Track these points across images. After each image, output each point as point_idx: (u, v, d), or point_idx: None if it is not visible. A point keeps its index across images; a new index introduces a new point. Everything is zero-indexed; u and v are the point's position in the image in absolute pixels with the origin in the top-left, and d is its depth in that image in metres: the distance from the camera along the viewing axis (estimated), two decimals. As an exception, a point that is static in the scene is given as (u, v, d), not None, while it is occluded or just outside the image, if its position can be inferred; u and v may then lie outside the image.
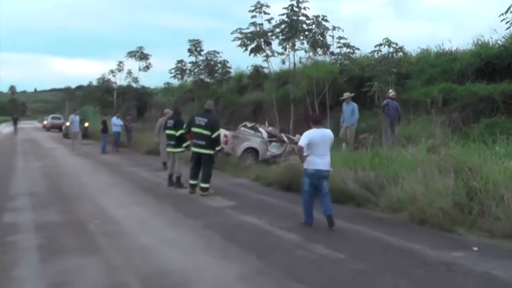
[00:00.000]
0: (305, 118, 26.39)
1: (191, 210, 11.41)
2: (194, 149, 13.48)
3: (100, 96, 44.97)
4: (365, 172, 13.05)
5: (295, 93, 25.82)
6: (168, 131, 14.73)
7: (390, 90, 19.53)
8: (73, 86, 65.05)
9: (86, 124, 38.04)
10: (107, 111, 34.22)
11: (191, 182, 13.58)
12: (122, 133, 28.70)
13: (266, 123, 22.84)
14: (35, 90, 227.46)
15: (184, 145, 14.39)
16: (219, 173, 16.17)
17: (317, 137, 9.51)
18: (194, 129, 13.37)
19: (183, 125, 14.22)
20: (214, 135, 13.18)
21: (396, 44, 21.79)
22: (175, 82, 37.15)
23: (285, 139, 20.96)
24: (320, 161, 9.49)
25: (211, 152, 13.33)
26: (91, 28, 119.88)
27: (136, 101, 41.16)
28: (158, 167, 19.39)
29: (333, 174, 11.03)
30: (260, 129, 20.98)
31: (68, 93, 64.93)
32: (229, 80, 33.05)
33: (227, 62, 31.85)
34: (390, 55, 21.94)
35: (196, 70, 32.99)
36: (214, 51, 32.08)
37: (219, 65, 32.05)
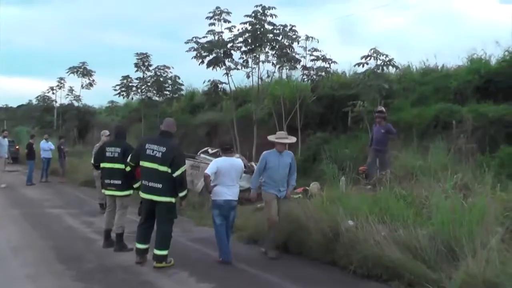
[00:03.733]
0: (269, 142, 21.63)
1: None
2: (144, 195, 7.86)
3: (39, 116, 38.60)
4: (409, 229, 7.81)
5: (258, 114, 20.41)
6: (108, 164, 9.08)
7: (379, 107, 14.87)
8: (15, 105, 57.52)
9: (17, 147, 31.55)
10: (35, 133, 27.84)
11: (140, 246, 7.99)
12: (54, 159, 22.31)
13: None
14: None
15: (136, 185, 8.81)
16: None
17: (226, 165, 8.49)
18: (145, 164, 7.81)
19: None
20: (177, 173, 7.67)
21: (386, 55, 16.64)
22: (120, 100, 31.49)
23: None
24: (228, 191, 8.49)
25: (172, 200, 7.81)
26: (35, 44, 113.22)
27: (77, 121, 35.34)
28: (93, 208, 13.49)
29: (361, 232, 7.95)
30: (226, 157, 15.45)
31: (6, 112, 57.79)
32: (180, 98, 27.35)
33: (179, 78, 26.27)
34: (380, 68, 16.75)
35: (143, 87, 27.29)
36: (164, 65, 26.55)
37: (169, 81, 26.38)
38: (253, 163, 16.03)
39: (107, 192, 9.12)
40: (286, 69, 20.07)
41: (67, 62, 33.94)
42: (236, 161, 8.95)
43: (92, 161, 9.60)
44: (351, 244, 7.95)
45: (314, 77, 19.89)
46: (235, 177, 8.71)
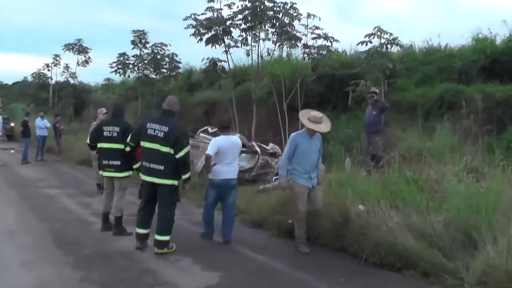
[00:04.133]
0: (268, 122, 21.16)
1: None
2: (145, 177, 7.33)
3: (34, 93, 37.79)
4: (423, 215, 7.37)
5: (257, 92, 19.81)
6: (107, 144, 8.48)
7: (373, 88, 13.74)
8: (10, 82, 56.55)
9: (12, 124, 30.84)
10: (30, 110, 27.13)
11: (140, 231, 7.47)
12: (50, 137, 21.62)
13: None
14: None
15: (136, 166, 8.27)
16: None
17: (227, 145, 8.18)
18: (146, 144, 7.28)
19: None
20: (180, 154, 7.12)
21: (391, 34, 16.07)
22: (117, 78, 30.85)
23: (257, 149, 14.99)
24: (228, 170, 8.17)
25: (174, 182, 7.27)
26: (31, 21, 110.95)
27: (73, 99, 34.47)
28: (90, 189, 12.96)
29: (372, 218, 7.50)
30: (226, 136, 14.90)
31: (1, 89, 56.72)
32: (177, 77, 26.72)
33: (176, 55, 25.62)
34: (384, 47, 16.18)
35: (140, 65, 26.65)
36: (161, 43, 25.98)
37: (167, 59, 25.70)
38: (253, 143, 15.49)
39: (105, 174, 8.56)
40: (287, 47, 19.45)
41: (63, 39, 33.24)
42: (235, 140, 8.67)
43: (88, 141, 8.95)
44: (362, 231, 7.50)
45: (315, 55, 19.31)
46: (235, 156, 8.46)
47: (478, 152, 11.63)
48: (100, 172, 8.75)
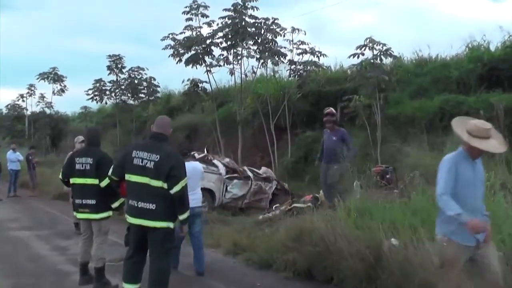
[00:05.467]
0: (255, 144, 19.59)
1: None
2: (132, 219, 5.56)
3: (9, 125, 35.54)
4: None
5: (242, 114, 18.23)
6: (80, 180, 6.75)
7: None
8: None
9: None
10: (6, 143, 25.12)
11: (128, 287, 5.64)
12: (23, 171, 19.54)
13: (205, 150, 14.95)
14: None
15: (115, 205, 6.65)
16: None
17: (188, 171, 5.98)
18: (132, 177, 5.52)
19: (109, 167, 6.33)
20: (176, 188, 5.38)
21: (384, 44, 14.61)
22: (94, 105, 29.03)
23: (250, 174, 13.38)
24: (190, 198, 5.86)
25: (169, 225, 5.50)
26: (4, 53, 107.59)
27: (50, 129, 32.32)
28: (67, 228, 11.11)
29: (412, 254, 5.91)
30: (215, 161, 13.27)
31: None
32: (156, 101, 25.01)
33: (154, 79, 23.91)
34: (378, 59, 14.71)
35: (117, 91, 24.93)
36: (138, 67, 24.26)
37: (144, 83, 23.99)
38: (245, 168, 13.86)
39: (79, 215, 6.83)
40: (272, 64, 17.94)
41: (39, 70, 31.34)
42: (196, 165, 7.96)
43: (60, 176, 7.20)
44: (402, 271, 5.88)
45: (301, 72, 17.84)
46: (197, 183, 7.61)
47: (497, 166, 10.16)
48: (74, 213, 6.99)
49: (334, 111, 11.15)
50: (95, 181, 6.54)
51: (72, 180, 6.80)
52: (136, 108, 25.33)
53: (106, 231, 6.75)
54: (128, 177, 5.52)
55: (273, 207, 11.31)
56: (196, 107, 22.48)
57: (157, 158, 5.37)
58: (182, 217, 5.52)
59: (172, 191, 5.33)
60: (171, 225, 5.46)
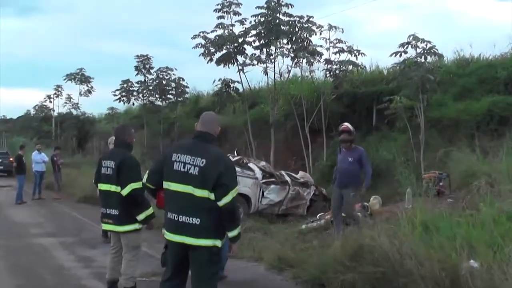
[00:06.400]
0: (287, 147, 18.58)
1: None
2: (171, 236, 4.49)
3: (36, 126, 35.34)
4: None
5: (275, 115, 17.26)
6: (104, 186, 5.82)
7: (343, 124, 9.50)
8: (15, 117, 54.20)
9: (11, 159, 28.09)
10: (27, 143, 24.48)
11: (164, 316, 4.60)
12: (49, 173, 18.73)
13: (235, 153, 13.93)
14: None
15: (140, 217, 5.59)
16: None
17: None
18: (172, 185, 4.46)
19: (136, 172, 5.63)
20: (225, 200, 4.32)
21: (429, 42, 13.47)
22: (121, 107, 28.37)
23: (287, 178, 12.37)
24: None
25: (216, 243, 4.42)
26: (34, 55, 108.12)
27: (76, 130, 31.94)
28: (94, 235, 10.19)
29: (499, 280, 4.86)
30: (251, 164, 12.28)
31: (5, 124, 54.42)
32: (185, 102, 24.11)
33: (183, 79, 23.03)
34: (423, 57, 13.57)
35: (145, 91, 24.18)
36: (167, 67, 23.45)
37: (173, 84, 23.12)
38: (282, 172, 12.86)
39: (104, 227, 5.92)
40: (306, 64, 16.94)
41: (66, 72, 30.91)
42: None
43: (94, 181, 6.31)
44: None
45: (337, 72, 16.78)
46: None
47: None
48: (102, 224, 6.00)
49: (351, 128, 9.11)
50: (118, 189, 5.61)
51: (99, 186, 5.89)
52: (164, 109, 24.57)
53: (136, 246, 5.76)
54: (167, 185, 4.51)
55: (317, 216, 10.28)
56: (226, 109, 21.61)
57: (202, 162, 4.36)
58: (232, 234, 4.50)
59: (221, 203, 4.32)
60: (218, 243, 4.44)
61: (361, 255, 6.13)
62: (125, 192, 5.46)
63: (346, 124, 9.18)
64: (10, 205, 15.98)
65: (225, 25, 17.24)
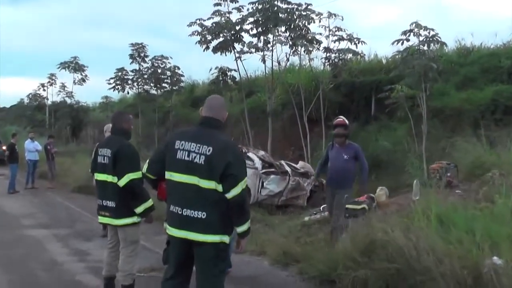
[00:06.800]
0: (285, 136, 18.16)
1: None
2: (174, 231, 4.08)
3: (30, 115, 34.57)
4: None
5: (272, 104, 16.82)
6: (100, 176, 5.35)
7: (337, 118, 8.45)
8: (8, 105, 53.35)
9: (4, 148, 27.47)
10: (18, 132, 23.84)
11: (165, 316, 4.18)
12: (42, 161, 18.07)
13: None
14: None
15: (139, 209, 5.13)
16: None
17: None
18: (175, 176, 4.03)
19: (134, 161, 5.20)
20: (234, 192, 3.90)
21: (432, 29, 13.01)
22: (115, 95, 27.82)
23: (287, 168, 11.96)
24: None
25: (224, 239, 4.02)
26: (28, 44, 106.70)
27: (70, 119, 31.00)
28: (89, 226, 9.74)
29: None
30: (250, 154, 11.85)
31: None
32: (180, 91, 23.53)
33: (178, 68, 22.45)
34: (425, 45, 13.13)
35: (139, 80, 23.60)
36: (162, 56, 22.79)
37: (168, 72, 22.53)
38: (282, 162, 12.44)
39: (101, 220, 5.45)
40: (304, 52, 16.45)
41: (61, 60, 30.14)
42: None
43: (90, 170, 5.82)
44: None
45: (336, 60, 16.31)
46: None
47: None
48: (99, 217, 5.53)
49: (346, 121, 8.15)
50: (115, 179, 5.14)
51: (95, 176, 5.42)
52: (159, 98, 23.97)
53: (134, 240, 5.30)
54: (169, 175, 4.07)
55: (321, 208, 9.83)
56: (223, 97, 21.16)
57: (209, 150, 3.92)
58: (240, 229, 4.08)
59: (229, 195, 3.90)
60: (225, 239, 4.02)
61: (373, 250, 5.75)
62: (122, 182, 5.02)
63: (341, 118, 8.19)
64: (2, 194, 15.39)
65: (222, 12, 16.75)
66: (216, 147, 3.93)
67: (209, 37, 17.01)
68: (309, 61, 17.29)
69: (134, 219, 5.18)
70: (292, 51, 16.53)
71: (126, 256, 5.21)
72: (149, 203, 5.16)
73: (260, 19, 15.99)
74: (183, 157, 3.98)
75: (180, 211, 3.98)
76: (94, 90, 48.41)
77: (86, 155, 20.02)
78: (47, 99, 33.62)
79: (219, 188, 3.90)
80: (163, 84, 23.03)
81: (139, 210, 5.11)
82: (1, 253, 7.77)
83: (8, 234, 9.25)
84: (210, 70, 18.14)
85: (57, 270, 6.86)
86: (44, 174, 18.35)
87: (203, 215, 3.91)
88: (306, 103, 16.36)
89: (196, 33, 17.08)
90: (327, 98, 16.36)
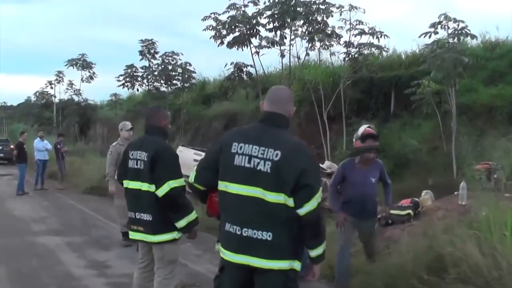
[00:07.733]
0: (302, 134, 17.25)
1: None
2: (230, 255, 3.17)
3: (37, 113, 34.15)
4: None
5: (289, 101, 15.89)
6: (132, 183, 4.38)
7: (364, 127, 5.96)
8: (15, 103, 52.79)
9: (12, 147, 26.68)
10: (28, 130, 23.03)
11: None
12: (52, 161, 17.13)
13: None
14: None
15: (181, 223, 4.17)
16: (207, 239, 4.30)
17: None
18: (231, 187, 3.12)
19: (175, 166, 4.25)
20: (307, 207, 3.03)
21: (461, 21, 12.15)
22: (124, 93, 27.03)
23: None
24: None
25: (294, 266, 3.11)
26: (35, 42, 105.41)
27: (78, 117, 30.36)
28: (105, 233, 8.88)
29: None
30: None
31: (6, 110, 52.86)
32: (192, 88, 22.68)
33: (189, 65, 21.57)
34: (455, 38, 12.27)
35: (149, 77, 22.89)
36: (173, 52, 21.98)
37: (179, 69, 21.70)
38: (326, 162, 11.56)
39: (133, 236, 4.48)
40: (322, 47, 15.57)
41: (68, 58, 29.57)
42: None
43: (116, 177, 4.90)
44: None
45: (356, 55, 15.43)
46: None
47: None
48: (130, 232, 4.59)
49: (375, 131, 5.96)
50: (152, 187, 4.22)
51: (125, 184, 4.48)
52: (169, 95, 23.19)
53: (173, 260, 4.39)
54: (224, 186, 3.18)
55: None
56: (235, 95, 20.33)
57: (277, 155, 3.03)
58: (315, 252, 3.22)
59: (302, 212, 3.04)
60: (296, 265, 3.15)
61: (442, 267, 4.87)
62: (161, 192, 4.10)
63: (370, 128, 5.93)
64: (11, 196, 14.47)
65: (238, 6, 15.88)
66: (286, 150, 3.05)
67: (224, 32, 16.15)
68: (330, 56, 16.39)
69: (174, 234, 4.25)
70: (310, 46, 15.68)
71: (163, 278, 4.29)
72: (193, 215, 4.23)
73: (277, 12, 15.15)
74: (242, 164, 3.10)
75: (239, 231, 3.10)
76: (102, 88, 47.74)
77: (96, 154, 19.24)
78: (55, 96, 33.49)
79: (290, 202, 3.03)
80: (174, 81, 22.26)
81: (181, 224, 4.19)
82: (11, 265, 6.86)
83: (18, 242, 8.37)
84: (226, 65, 17.29)
85: (74, 286, 5.97)
86: (53, 174, 17.45)
87: (269, 236, 3.03)
88: (325, 100, 15.50)
89: (210, 28, 16.22)
90: (345, 95, 15.55)
